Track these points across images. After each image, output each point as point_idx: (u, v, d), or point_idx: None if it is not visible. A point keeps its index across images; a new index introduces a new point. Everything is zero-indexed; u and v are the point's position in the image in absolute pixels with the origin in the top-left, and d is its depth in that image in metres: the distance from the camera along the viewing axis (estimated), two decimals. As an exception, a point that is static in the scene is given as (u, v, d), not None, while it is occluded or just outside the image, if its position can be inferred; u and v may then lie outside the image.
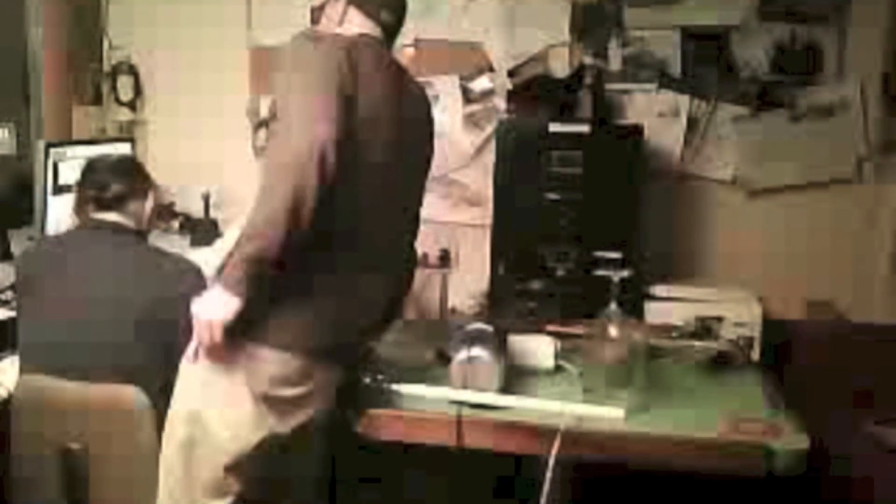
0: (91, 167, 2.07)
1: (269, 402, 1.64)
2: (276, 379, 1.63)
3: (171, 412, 1.72)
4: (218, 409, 1.65)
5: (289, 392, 1.65)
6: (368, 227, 1.71)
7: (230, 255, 1.57)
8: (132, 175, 2.06)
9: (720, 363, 2.19)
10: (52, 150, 2.65)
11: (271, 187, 1.52)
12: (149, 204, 2.08)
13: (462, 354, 1.85)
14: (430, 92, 3.16)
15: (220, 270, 1.62)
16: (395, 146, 1.73)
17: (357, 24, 1.78)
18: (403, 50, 3.21)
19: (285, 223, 1.49)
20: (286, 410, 1.67)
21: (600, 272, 1.96)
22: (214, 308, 1.55)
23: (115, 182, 2.01)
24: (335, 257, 1.66)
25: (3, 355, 2.14)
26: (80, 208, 2.04)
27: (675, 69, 3.14)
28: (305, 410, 1.70)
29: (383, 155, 1.70)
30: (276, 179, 1.52)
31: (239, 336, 1.60)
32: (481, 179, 3.19)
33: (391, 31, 1.83)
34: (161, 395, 1.83)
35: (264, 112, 3.17)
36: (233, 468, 1.67)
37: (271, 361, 1.62)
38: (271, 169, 1.55)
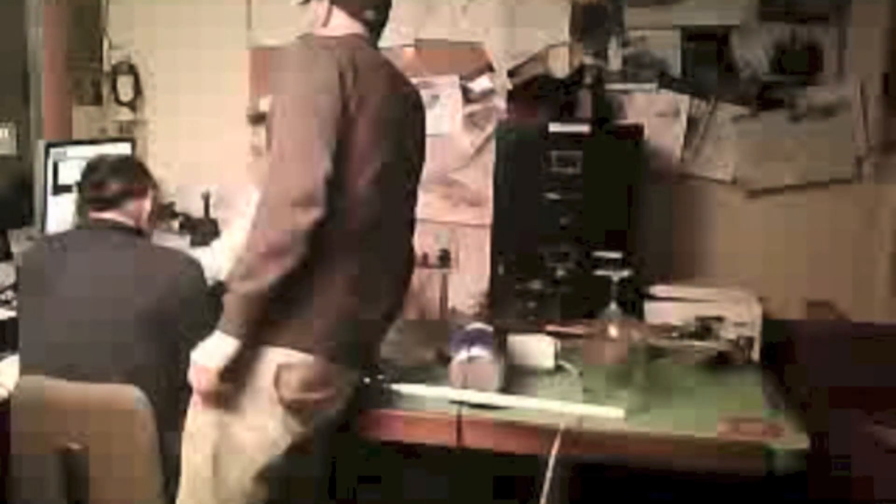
0: (90, 167, 2.08)
1: (296, 406, 1.64)
2: (303, 383, 1.63)
3: (193, 422, 1.70)
4: (245, 417, 1.65)
5: (314, 396, 1.66)
6: (378, 226, 1.72)
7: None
8: (131, 174, 2.06)
9: (720, 363, 2.19)
10: (52, 150, 2.65)
11: (263, 226, 1.54)
12: (148, 203, 2.08)
13: (462, 354, 1.85)
14: (430, 92, 3.20)
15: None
16: (396, 145, 1.75)
17: (343, 24, 1.77)
18: (403, 50, 3.22)
19: (278, 264, 1.52)
20: (310, 413, 1.68)
21: (600, 272, 1.96)
22: (210, 355, 1.58)
23: (114, 181, 2.01)
24: (350, 258, 1.67)
25: (3, 355, 2.14)
26: (80, 208, 2.05)
27: (675, 69, 3.14)
28: (326, 412, 1.71)
29: (388, 154, 1.71)
30: (269, 220, 1.53)
31: (260, 343, 1.60)
32: (481, 179, 3.19)
33: (376, 30, 1.82)
34: (162, 394, 1.83)
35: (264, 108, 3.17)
36: (262, 476, 1.66)
37: (297, 366, 1.62)
38: (264, 206, 1.55)
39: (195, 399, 1.69)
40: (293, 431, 1.66)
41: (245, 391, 1.63)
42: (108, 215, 2.00)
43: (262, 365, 1.62)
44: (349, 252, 1.66)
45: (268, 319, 1.58)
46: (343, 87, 1.60)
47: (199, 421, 1.69)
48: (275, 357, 1.62)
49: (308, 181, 1.52)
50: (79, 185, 2.06)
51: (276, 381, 1.61)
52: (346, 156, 1.61)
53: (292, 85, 1.62)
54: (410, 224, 1.95)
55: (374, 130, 1.66)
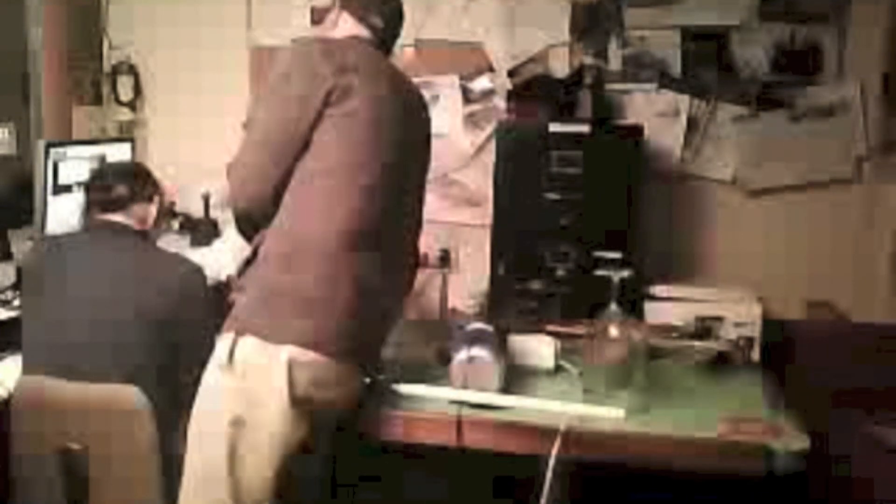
0: (99, 171, 2.12)
1: (306, 403, 1.65)
2: (314, 381, 1.64)
3: (203, 422, 1.68)
4: (261, 416, 1.64)
5: (324, 394, 1.66)
6: (381, 226, 1.74)
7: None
8: (138, 179, 2.08)
9: (720, 363, 2.19)
10: (52, 150, 2.65)
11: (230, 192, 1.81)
12: (154, 209, 2.10)
13: (462, 354, 1.85)
14: (429, 92, 3.20)
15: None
16: (397, 146, 1.77)
17: (349, 27, 1.88)
18: (403, 50, 3.22)
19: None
20: (320, 412, 1.68)
21: (600, 272, 1.96)
22: None
23: (120, 184, 2.03)
24: (355, 257, 1.68)
25: (3, 355, 2.14)
26: (87, 211, 2.06)
27: (675, 69, 3.14)
28: (334, 411, 1.72)
29: (388, 155, 1.74)
30: (229, 192, 1.80)
31: (272, 342, 1.62)
32: (481, 179, 3.19)
33: (383, 35, 1.89)
34: (162, 394, 1.83)
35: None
36: (278, 473, 1.66)
37: (309, 364, 1.63)
38: (230, 176, 1.80)
39: (208, 407, 1.68)
40: (303, 429, 1.66)
41: (260, 391, 1.63)
42: (113, 217, 2.01)
43: (276, 364, 1.62)
44: (354, 251, 1.68)
45: (281, 319, 1.62)
46: (318, 90, 1.67)
47: (210, 421, 1.67)
48: (287, 355, 1.62)
49: (245, 198, 1.76)
50: (86, 186, 2.07)
51: (290, 379, 1.62)
52: (333, 154, 1.67)
53: (269, 86, 1.77)
54: (416, 226, 1.97)
55: (368, 130, 1.70)
